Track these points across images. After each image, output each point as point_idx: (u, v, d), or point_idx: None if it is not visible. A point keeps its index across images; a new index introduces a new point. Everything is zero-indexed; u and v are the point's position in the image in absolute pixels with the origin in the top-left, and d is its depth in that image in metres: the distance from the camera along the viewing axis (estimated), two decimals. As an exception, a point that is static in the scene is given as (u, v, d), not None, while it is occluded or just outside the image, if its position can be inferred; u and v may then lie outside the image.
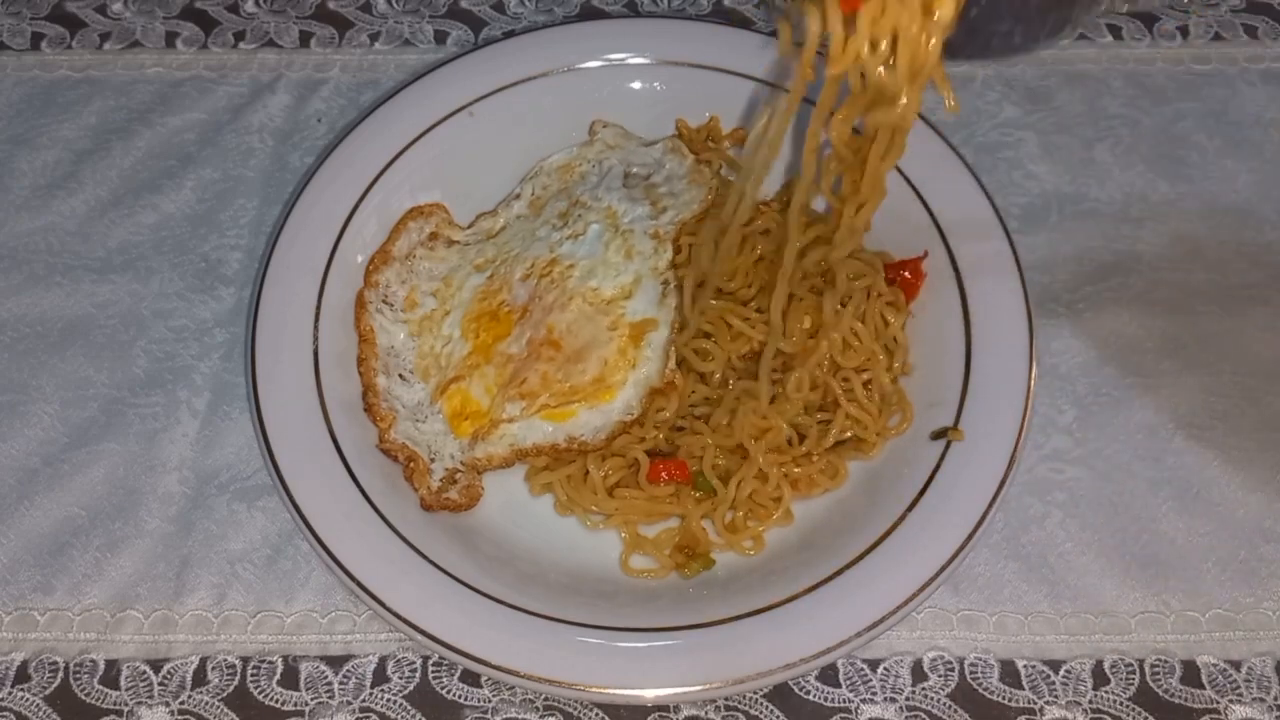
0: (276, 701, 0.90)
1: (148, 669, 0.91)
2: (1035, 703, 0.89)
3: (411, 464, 0.96)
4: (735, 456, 0.95)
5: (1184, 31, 1.24)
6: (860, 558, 0.88)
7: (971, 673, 0.91)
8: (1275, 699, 0.89)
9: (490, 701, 0.90)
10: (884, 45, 0.78)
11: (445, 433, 0.98)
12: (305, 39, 1.24)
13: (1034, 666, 0.91)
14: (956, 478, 0.90)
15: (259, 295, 0.98)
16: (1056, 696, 0.90)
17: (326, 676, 0.91)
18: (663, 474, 0.94)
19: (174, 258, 1.10)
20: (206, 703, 0.90)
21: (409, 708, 0.90)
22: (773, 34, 1.20)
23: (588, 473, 0.95)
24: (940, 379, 0.96)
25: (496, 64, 1.10)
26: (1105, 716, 0.89)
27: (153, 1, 1.27)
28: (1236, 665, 0.91)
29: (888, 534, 0.89)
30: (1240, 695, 0.89)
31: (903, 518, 0.89)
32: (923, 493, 0.90)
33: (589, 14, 1.26)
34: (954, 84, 1.18)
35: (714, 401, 0.98)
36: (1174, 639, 0.92)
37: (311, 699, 0.90)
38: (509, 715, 0.89)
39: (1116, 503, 0.97)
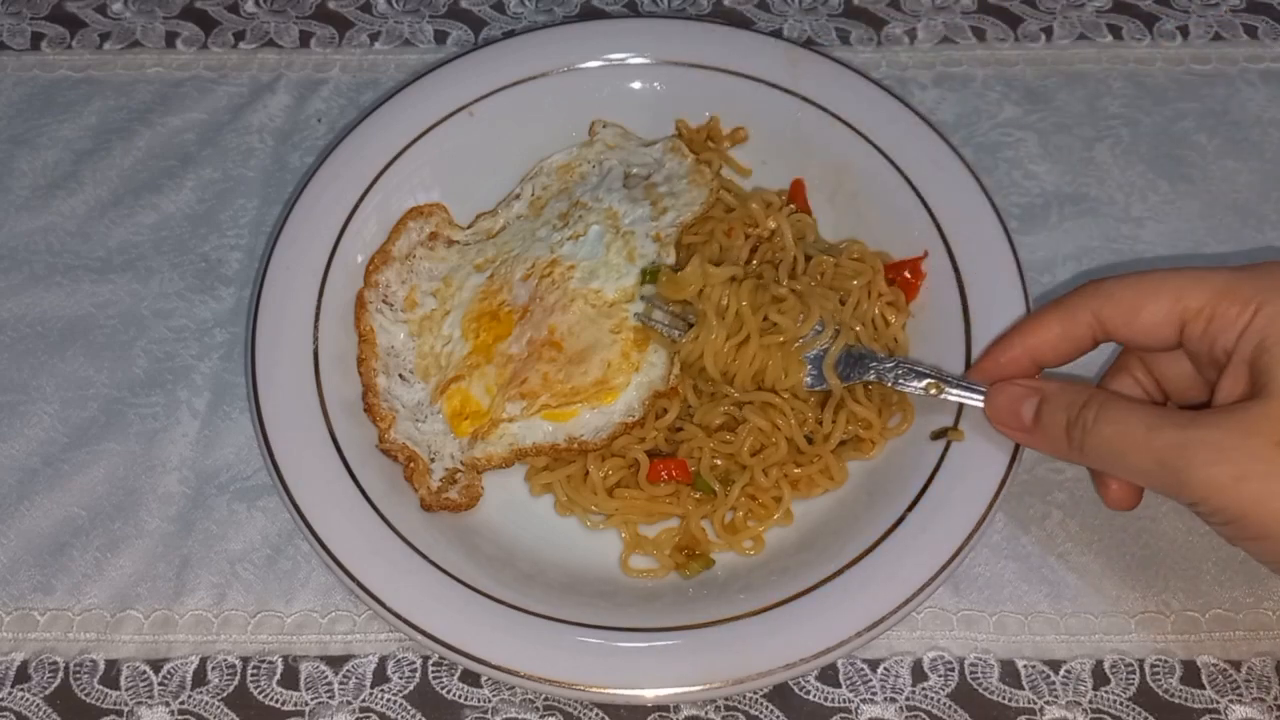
0: (276, 701, 0.90)
1: (148, 669, 0.91)
2: (1035, 703, 0.89)
3: (411, 464, 0.96)
4: (733, 461, 0.95)
5: (1184, 31, 1.24)
6: (860, 558, 0.88)
7: (971, 673, 0.91)
8: (1275, 699, 0.89)
9: (490, 701, 0.90)
10: None
11: (445, 432, 0.98)
12: (305, 39, 1.24)
13: (1034, 666, 0.91)
14: (956, 478, 0.90)
15: (259, 295, 0.98)
16: (1056, 696, 0.90)
17: (326, 676, 0.91)
18: (663, 474, 0.94)
19: (174, 258, 1.10)
20: (206, 703, 0.90)
21: (409, 708, 0.90)
22: (774, 34, 1.20)
23: (588, 473, 0.95)
24: (940, 379, 0.96)
25: (496, 64, 1.10)
26: (1105, 716, 0.89)
27: (153, 1, 1.27)
28: (1236, 665, 0.91)
29: (888, 534, 0.88)
30: (1240, 695, 0.89)
31: (903, 518, 0.89)
32: (923, 493, 0.90)
33: (589, 14, 1.26)
34: (954, 84, 1.19)
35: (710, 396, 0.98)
36: (1174, 639, 0.92)
37: (311, 699, 0.90)
38: (509, 715, 0.89)
39: (1116, 503, 0.97)
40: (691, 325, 0.96)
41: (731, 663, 0.84)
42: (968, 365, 0.95)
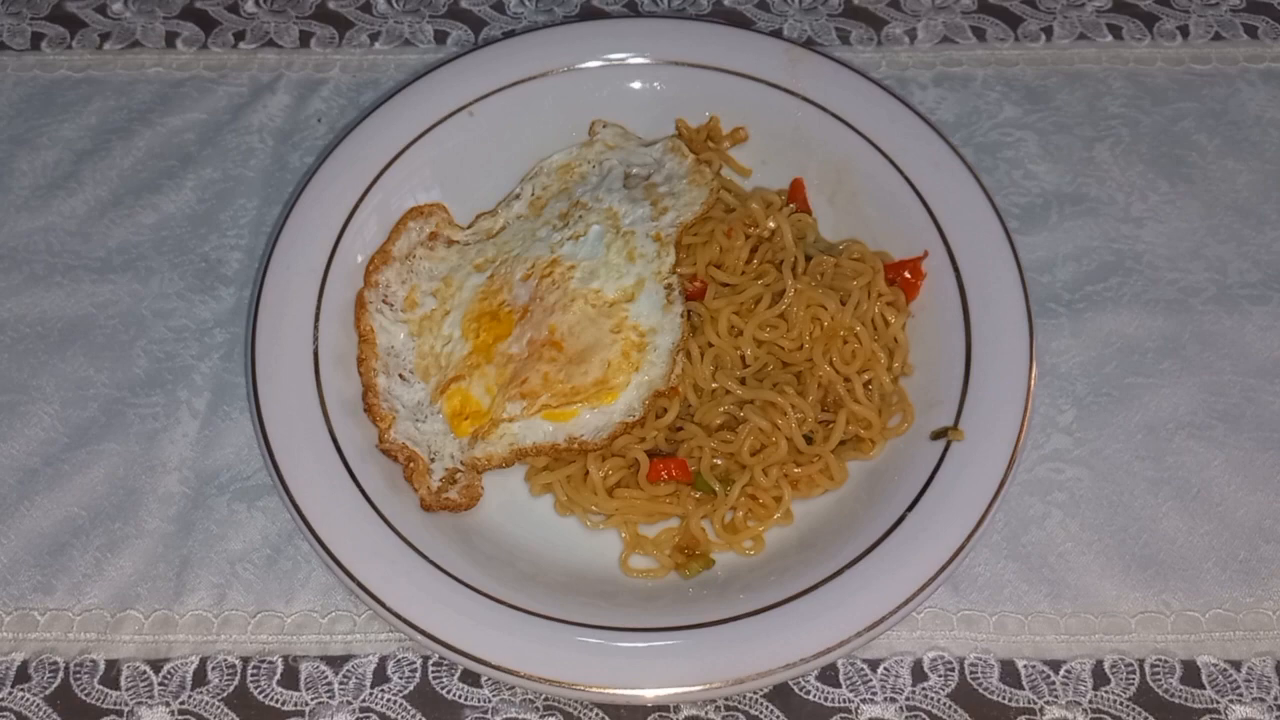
0: (276, 701, 0.90)
1: (148, 669, 0.91)
2: (1035, 703, 0.89)
3: (411, 464, 0.96)
4: (733, 461, 0.95)
5: (1184, 31, 1.24)
6: (860, 558, 0.88)
7: (971, 673, 0.91)
8: (1275, 699, 0.89)
9: (490, 701, 0.90)
10: None
11: (445, 432, 0.98)
12: (305, 39, 1.24)
13: (1034, 666, 0.91)
14: (956, 478, 0.90)
15: (259, 295, 0.98)
16: (1056, 696, 0.90)
17: (326, 676, 0.91)
18: (663, 474, 0.94)
19: (174, 258, 1.10)
20: (206, 703, 0.90)
21: (409, 708, 0.90)
22: (774, 34, 1.20)
23: (588, 473, 0.95)
24: (940, 379, 0.96)
25: (496, 64, 1.10)
26: (1105, 716, 0.89)
27: (153, 1, 1.27)
28: (1236, 665, 0.91)
29: (888, 534, 0.89)
30: (1240, 695, 0.89)
31: (903, 518, 0.89)
32: (923, 493, 0.90)
33: (589, 14, 1.26)
34: (954, 84, 1.19)
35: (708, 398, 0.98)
36: (1174, 639, 0.92)
37: (311, 699, 0.90)
38: (509, 715, 0.89)
39: (1116, 503, 0.97)
40: None
41: (731, 663, 0.84)
42: (968, 365, 0.95)
